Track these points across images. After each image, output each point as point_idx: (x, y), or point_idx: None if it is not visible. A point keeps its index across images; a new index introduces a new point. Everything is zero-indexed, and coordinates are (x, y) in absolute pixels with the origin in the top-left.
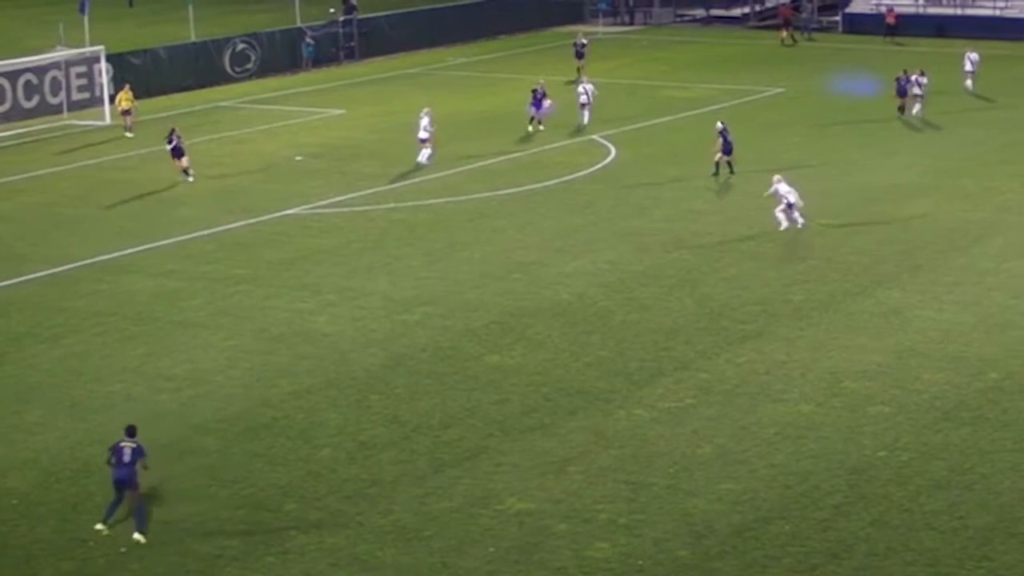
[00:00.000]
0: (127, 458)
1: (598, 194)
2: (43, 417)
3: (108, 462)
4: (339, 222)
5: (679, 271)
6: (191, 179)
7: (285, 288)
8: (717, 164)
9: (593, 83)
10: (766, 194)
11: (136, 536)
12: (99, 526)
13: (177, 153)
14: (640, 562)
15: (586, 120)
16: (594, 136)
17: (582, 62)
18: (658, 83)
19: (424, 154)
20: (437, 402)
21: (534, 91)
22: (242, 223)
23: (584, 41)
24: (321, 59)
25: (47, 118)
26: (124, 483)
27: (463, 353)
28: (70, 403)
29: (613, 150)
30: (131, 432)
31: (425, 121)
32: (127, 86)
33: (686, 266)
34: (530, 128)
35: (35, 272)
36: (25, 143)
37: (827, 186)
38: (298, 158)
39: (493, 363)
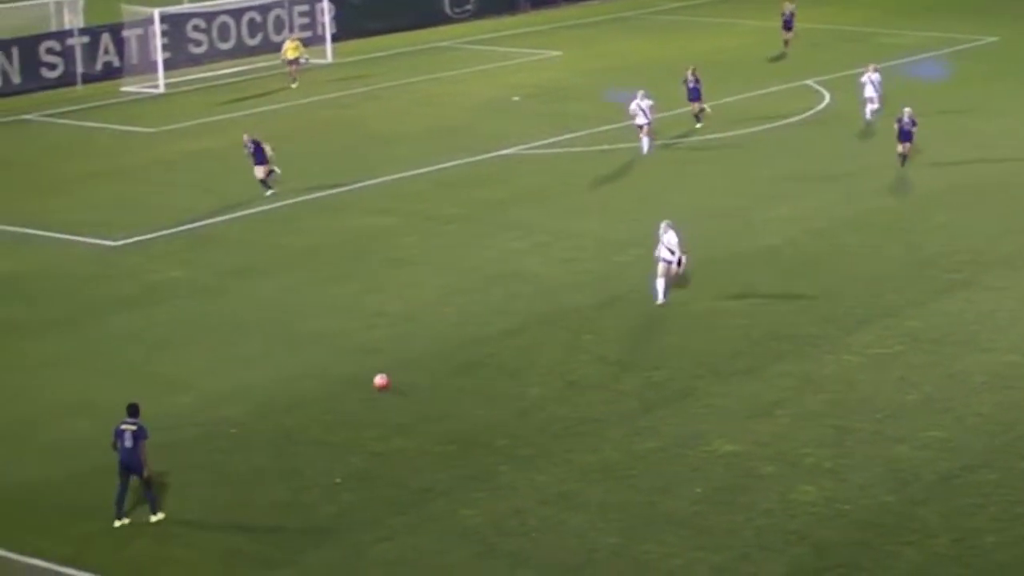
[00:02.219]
0: (128, 442)
1: (809, 140)
2: (259, 349)
3: (113, 446)
4: (553, 163)
5: (888, 219)
6: (270, 192)
7: (498, 228)
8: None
9: (878, 71)
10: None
11: (153, 518)
12: (117, 523)
13: (259, 159)
14: (845, 506)
15: (869, 116)
16: (808, 81)
17: (790, 34)
18: (870, 29)
19: (645, 143)
20: (646, 343)
21: (686, 80)
22: (457, 162)
23: (792, 9)
24: (539, 1)
25: (269, 56)
26: (129, 467)
27: (673, 295)
28: (285, 337)
29: (827, 96)
30: (133, 412)
31: (645, 104)
32: (294, 36)
33: (895, 214)
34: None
35: (253, 208)
36: (248, 80)
37: None
38: (515, 98)
39: (703, 306)
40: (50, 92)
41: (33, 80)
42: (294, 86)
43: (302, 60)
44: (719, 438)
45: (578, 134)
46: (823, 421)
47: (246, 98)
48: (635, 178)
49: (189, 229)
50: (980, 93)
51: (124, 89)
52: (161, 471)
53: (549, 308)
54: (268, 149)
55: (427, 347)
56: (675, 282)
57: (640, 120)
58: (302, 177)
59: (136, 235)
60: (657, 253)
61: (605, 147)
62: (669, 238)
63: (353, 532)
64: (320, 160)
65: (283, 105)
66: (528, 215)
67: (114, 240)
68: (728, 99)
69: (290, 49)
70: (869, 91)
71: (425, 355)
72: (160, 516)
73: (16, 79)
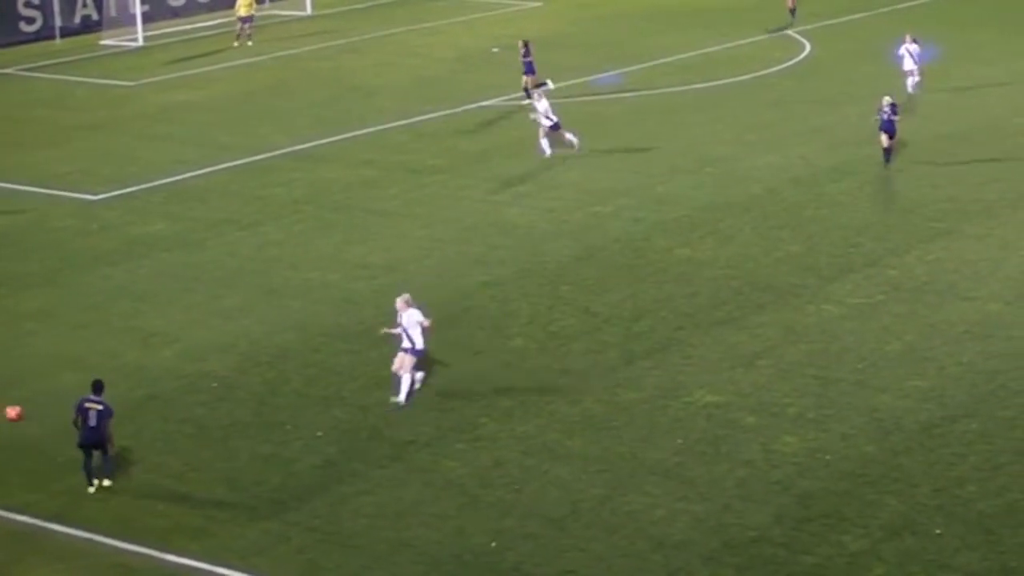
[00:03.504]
0: (92, 421)
1: (791, 89)
2: (242, 302)
3: (74, 423)
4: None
5: (870, 167)
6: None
7: (479, 179)
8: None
9: (916, 41)
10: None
11: (105, 483)
12: (91, 489)
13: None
14: (827, 456)
15: (911, 89)
16: (789, 31)
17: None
18: None
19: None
20: (628, 294)
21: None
22: (438, 114)
23: None
24: None
25: None
26: (92, 445)
27: (654, 245)
28: (268, 289)
29: (808, 46)
30: (97, 389)
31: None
32: None
33: (877, 162)
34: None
35: (234, 160)
36: (226, 33)
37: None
38: (495, 49)
39: (684, 256)
40: (29, 46)
41: (11, 34)
42: (250, 44)
43: (252, 18)
44: (701, 389)
45: (558, 85)
46: (805, 371)
47: (224, 51)
48: (616, 128)
49: (171, 182)
50: (964, 40)
51: (103, 43)
52: (144, 424)
53: (531, 259)
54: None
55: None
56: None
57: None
58: (284, 129)
59: (117, 188)
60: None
61: (588, 98)
62: (410, 316)
63: (336, 485)
64: (302, 112)
65: (263, 58)
66: (509, 166)
67: (95, 194)
68: (711, 48)
69: (243, 6)
70: (908, 63)
71: None
72: (108, 483)
73: None
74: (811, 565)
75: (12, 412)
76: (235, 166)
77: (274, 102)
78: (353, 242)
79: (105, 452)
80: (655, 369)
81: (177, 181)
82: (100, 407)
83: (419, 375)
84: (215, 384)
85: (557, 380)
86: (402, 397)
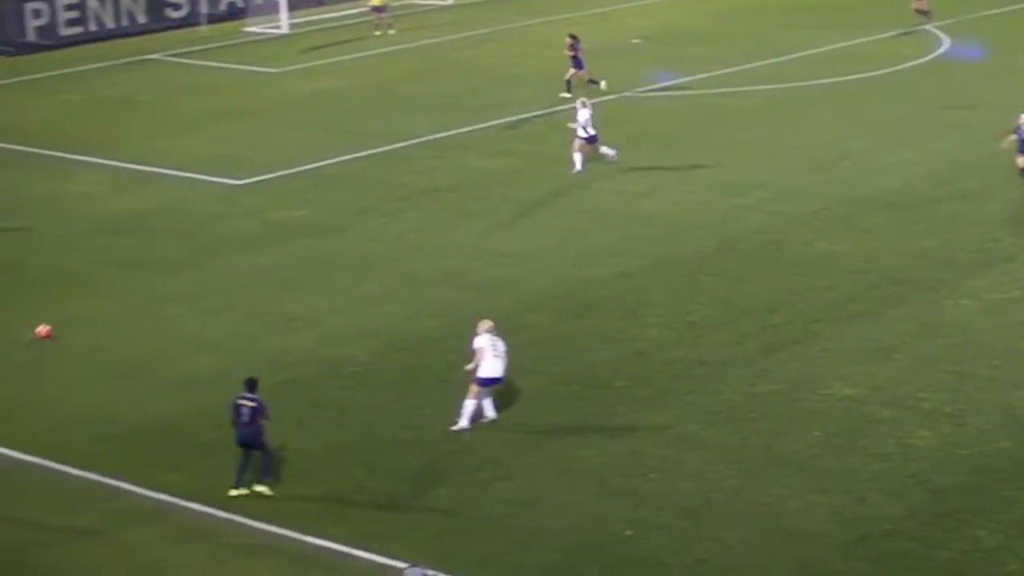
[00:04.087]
0: (245, 418)
1: (927, 85)
2: (383, 288)
3: (231, 421)
4: (672, 105)
5: (1009, 163)
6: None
7: (617, 169)
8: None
9: None
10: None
11: (259, 488)
12: (232, 491)
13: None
14: (963, 451)
15: None
16: (928, 27)
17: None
18: None
19: None
20: (765, 286)
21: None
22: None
23: None
24: None
25: None
26: (247, 444)
27: (791, 238)
28: (408, 276)
29: (946, 41)
30: (251, 386)
31: None
32: None
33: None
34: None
35: (375, 147)
36: (370, 21)
37: None
38: (635, 41)
39: (821, 249)
40: (175, 32)
41: (158, 20)
42: (391, 32)
43: (387, 8)
44: (837, 381)
45: (694, 77)
46: (941, 366)
47: (366, 39)
48: (751, 121)
49: (312, 168)
50: None
51: (247, 30)
52: (285, 408)
53: (668, 250)
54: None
55: (547, 287)
56: None
57: None
58: (425, 117)
59: (259, 174)
60: None
61: (724, 90)
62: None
63: (473, 471)
64: (442, 101)
65: (405, 47)
66: (646, 157)
67: (238, 179)
68: (846, 43)
69: None
70: None
71: (545, 296)
72: (267, 490)
73: (142, 19)
74: (945, 560)
75: (43, 330)
76: (377, 153)
77: (415, 90)
78: (492, 230)
79: (264, 452)
80: (792, 361)
81: (319, 168)
82: (253, 404)
83: (487, 403)
84: (356, 369)
85: (694, 370)
86: (464, 423)
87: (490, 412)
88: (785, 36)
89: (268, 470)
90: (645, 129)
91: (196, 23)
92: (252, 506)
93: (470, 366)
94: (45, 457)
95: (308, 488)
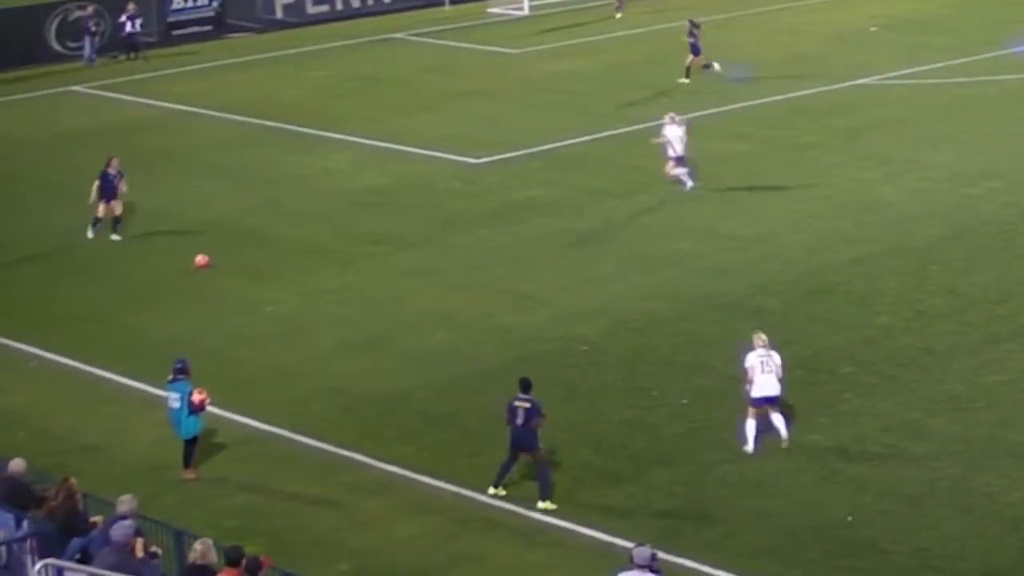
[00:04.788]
0: (519, 419)
1: None
2: (614, 269)
3: (507, 421)
4: (908, 93)
5: None
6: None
7: (852, 156)
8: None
9: None
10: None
11: (541, 504)
12: (491, 490)
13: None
14: None
15: None
16: None
17: None
18: None
19: None
20: (995, 276)
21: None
22: (814, 90)
23: None
24: None
25: None
26: (518, 447)
27: (1023, 230)
28: (640, 256)
29: None
30: (525, 387)
31: None
32: None
33: None
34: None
35: (612, 129)
36: (610, 4)
37: None
38: (872, 29)
39: None
40: (419, 12)
41: (403, 0)
42: (618, 16)
43: None
44: None
45: (933, 66)
46: None
47: (606, 20)
48: (990, 110)
49: (550, 149)
50: None
51: (490, 11)
52: (515, 386)
53: (899, 238)
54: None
55: (778, 272)
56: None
57: None
58: (661, 101)
59: (498, 153)
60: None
61: (961, 79)
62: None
63: (698, 452)
64: (679, 85)
65: (644, 30)
66: (882, 145)
67: (477, 158)
68: None
69: None
70: None
71: (775, 280)
72: (549, 505)
73: None
74: None
75: (202, 260)
76: (613, 135)
77: (653, 74)
78: (725, 214)
79: (537, 459)
80: (1019, 352)
81: (556, 148)
82: (527, 405)
83: (778, 420)
84: (585, 348)
85: (921, 358)
86: (749, 446)
87: (781, 431)
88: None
89: (545, 488)
90: (883, 116)
91: (440, 3)
92: (479, 480)
93: (745, 386)
94: (284, 427)
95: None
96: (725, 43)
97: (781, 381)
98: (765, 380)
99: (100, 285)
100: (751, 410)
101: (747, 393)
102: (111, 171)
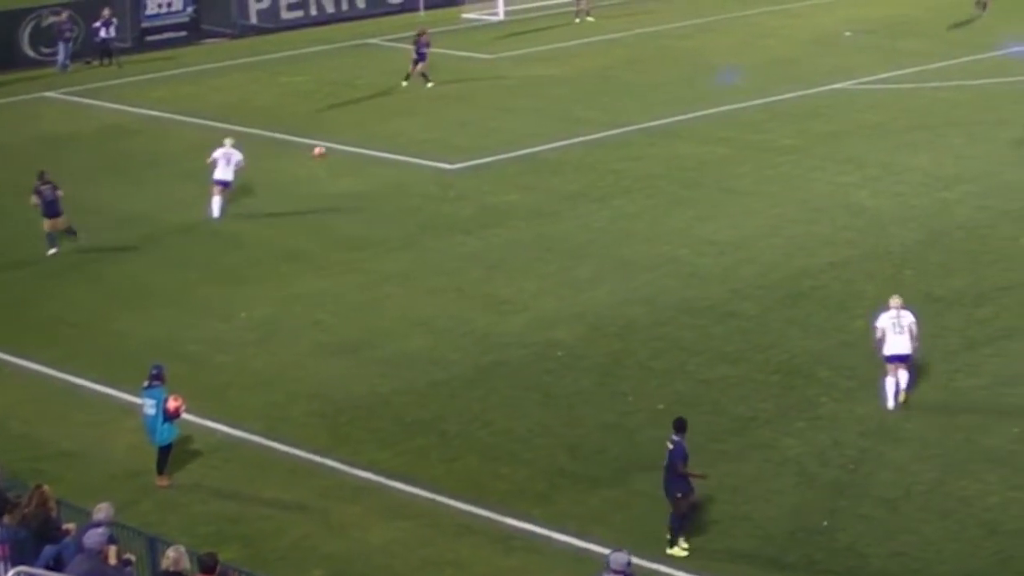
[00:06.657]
0: (666, 460)
1: None
2: (593, 273)
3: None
4: (885, 98)
5: None
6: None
7: (830, 160)
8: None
9: None
10: None
11: (671, 552)
12: (668, 550)
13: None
14: None
15: None
16: None
17: None
18: None
19: None
20: (971, 280)
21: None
22: (791, 95)
23: None
24: None
25: None
26: (664, 488)
27: (999, 233)
28: (619, 261)
29: None
30: (676, 427)
31: None
32: None
33: None
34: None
35: (589, 134)
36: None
37: None
38: (847, 33)
39: None
40: (393, 17)
41: (377, 6)
42: (590, 19)
43: None
44: None
45: (909, 70)
46: None
47: (580, 25)
48: (966, 115)
49: (527, 154)
50: None
51: (464, 16)
52: (492, 389)
53: (876, 241)
54: None
55: (755, 276)
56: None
57: None
58: (639, 105)
59: (474, 158)
60: None
61: (935, 84)
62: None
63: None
64: (658, 89)
65: (622, 35)
66: (859, 149)
67: (452, 163)
68: None
69: None
70: None
71: (753, 284)
72: (676, 551)
73: (361, 4)
74: None
75: (320, 150)
76: (590, 140)
77: (631, 78)
78: (704, 218)
79: (672, 505)
80: (995, 356)
81: (533, 153)
82: (670, 446)
83: (902, 376)
84: (561, 353)
85: None
86: (888, 403)
87: (900, 384)
88: (1004, 30)
89: (675, 532)
90: (860, 120)
91: (414, 9)
92: (457, 486)
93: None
94: (260, 433)
95: (512, 469)
96: (703, 47)
97: (916, 339)
98: (895, 340)
99: (76, 291)
100: (886, 367)
101: (879, 352)
102: (43, 187)
